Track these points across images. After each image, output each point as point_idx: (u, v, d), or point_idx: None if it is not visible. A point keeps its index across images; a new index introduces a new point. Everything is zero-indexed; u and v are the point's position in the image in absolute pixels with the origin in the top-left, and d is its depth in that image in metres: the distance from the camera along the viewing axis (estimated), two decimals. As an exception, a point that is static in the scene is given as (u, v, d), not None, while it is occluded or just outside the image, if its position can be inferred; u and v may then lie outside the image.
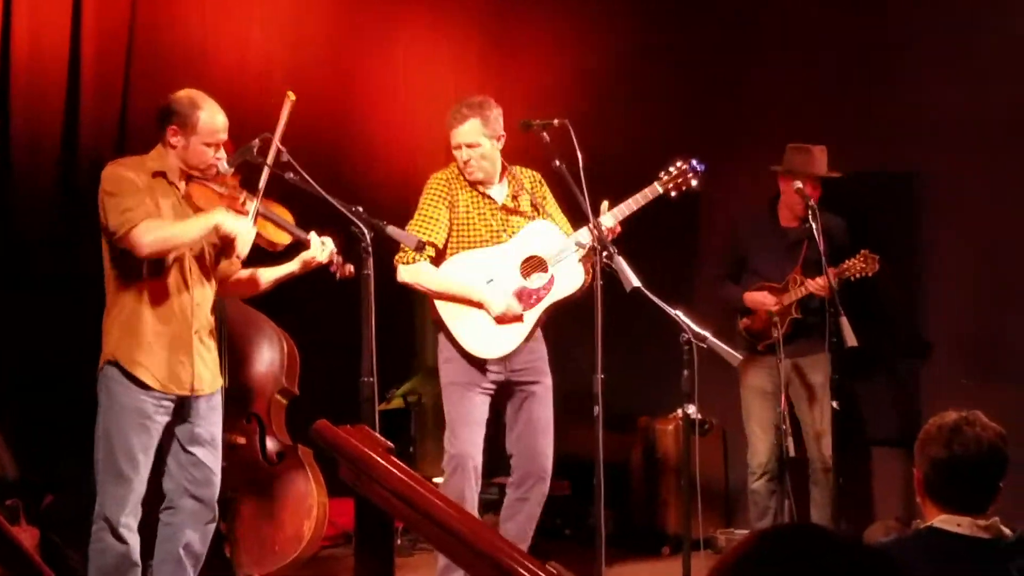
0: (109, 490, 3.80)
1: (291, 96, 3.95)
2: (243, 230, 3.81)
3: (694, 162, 4.45)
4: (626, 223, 4.38)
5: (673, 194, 4.45)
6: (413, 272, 4.39)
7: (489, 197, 4.51)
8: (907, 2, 5.80)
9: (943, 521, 2.56)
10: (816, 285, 5.00)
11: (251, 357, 4.79)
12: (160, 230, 3.75)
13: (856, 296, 5.12)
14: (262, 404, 4.84)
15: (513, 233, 4.47)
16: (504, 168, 4.54)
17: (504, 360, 4.44)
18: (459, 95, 6.77)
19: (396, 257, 4.39)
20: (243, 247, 3.83)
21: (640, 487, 6.02)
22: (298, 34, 6.28)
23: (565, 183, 4.27)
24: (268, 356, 4.84)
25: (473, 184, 4.50)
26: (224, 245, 3.93)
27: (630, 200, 4.39)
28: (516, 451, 4.54)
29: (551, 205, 4.58)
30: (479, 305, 4.39)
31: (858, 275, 5.02)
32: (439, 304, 4.44)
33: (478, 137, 4.41)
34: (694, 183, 4.46)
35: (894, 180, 5.79)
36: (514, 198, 4.55)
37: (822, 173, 5.16)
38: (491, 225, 4.48)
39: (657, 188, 4.42)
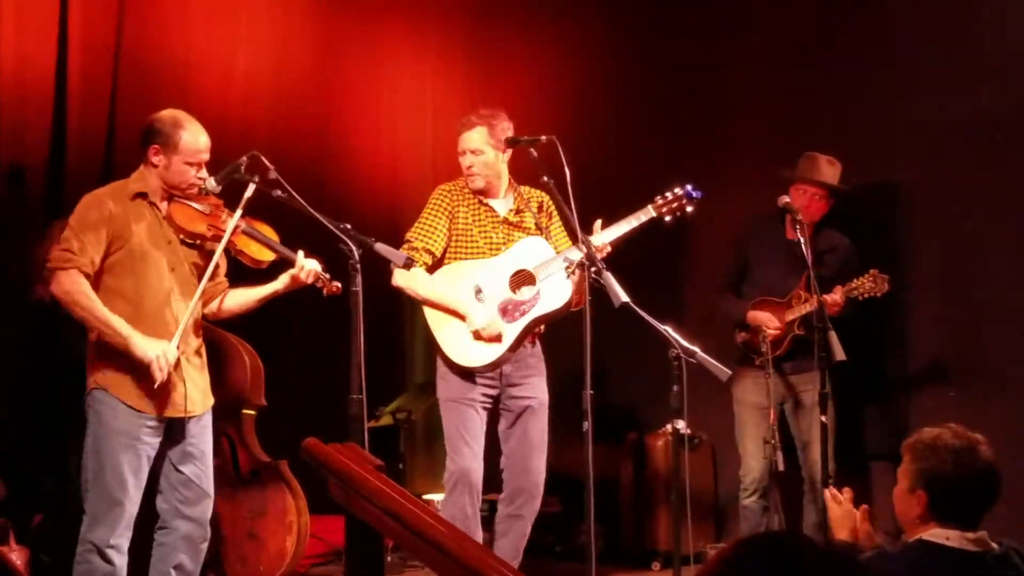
0: (98, 511, 3.77)
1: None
2: (152, 356, 3.71)
3: (690, 188, 4.46)
4: (617, 241, 4.40)
5: (668, 219, 4.47)
6: (407, 277, 4.43)
7: (491, 209, 4.57)
8: (886, 15, 5.84)
9: (932, 534, 2.59)
10: (827, 300, 4.91)
11: (216, 375, 4.74)
12: (77, 292, 3.71)
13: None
14: (231, 422, 4.81)
15: (511, 246, 4.53)
16: (511, 184, 4.60)
17: (499, 374, 4.47)
18: (443, 113, 6.84)
19: None
20: (158, 374, 3.72)
21: (630, 503, 6.01)
22: (282, 53, 6.30)
23: (554, 199, 4.31)
24: (232, 373, 4.79)
25: (476, 195, 4.56)
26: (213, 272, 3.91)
27: (622, 222, 4.42)
28: (508, 467, 4.57)
29: (556, 226, 4.62)
30: (464, 317, 4.43)
31: (867, 295, 4.98)
32: (427, 309, 4.50)
33: (483, 145, 4.49)
34: (689, 210, 4.48)
35: (881, 190, 5.81)
36: (518, 212, 4.60)
37: (826, 180, 5.13)
38: (491, 237, 4.53)
39: (650, 211, 4.45)
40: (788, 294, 5.18)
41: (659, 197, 4.47)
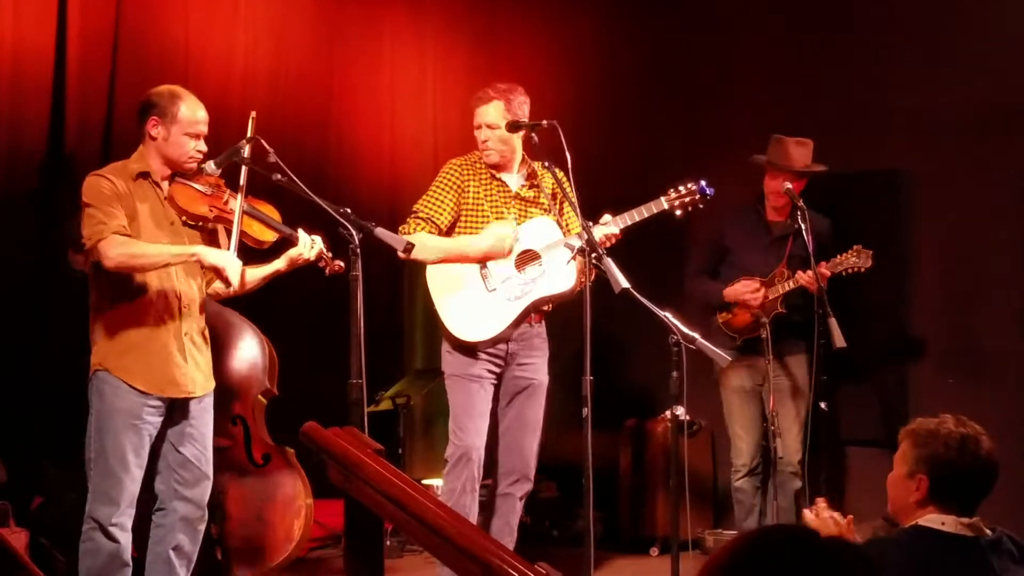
0: (100, 489, 3.79)
1: (253, 115, 3.95)
2: (228, 262, 3.78)
3: (703, 184, 4.47)
4: (626, 228, 4.41)
5: (678, 213, 4.47)
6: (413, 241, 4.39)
7: (504, 184, 4.57)
8: (887, 4, 5.83)
9: (928, 520, 2.61)
10: (806, 278, 4.96)
11: (233, 359, 4.77)
12: (128, 246, 3.72)
13: (842, 296, 5.12)
14: (246, 406, 4.82)
15: (523, 222, 4.54)
16: (525, 161, 4.62)
17: (505, 353, 4.48)
18: (443, 98, 6.84)
19: (400, 228, 4.45)
20: (233, 276, 3.80)
21: (628, 488, 6.03)
22: (282, 36, 6.28)
23: (558, 182, 4.33)
24: (250, 357, 4.81)
25: (489, 169, 4.56)
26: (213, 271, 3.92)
27: (634, 211, 4.43)
28: (502, 446, 4.58)
29: (568, 208, 4.62)
30: (481, 258, 4.43)
31: (850, 270, 4.98)
32: (430, 279, 4.48)
33: (499, 119, 4.48)
34: (701, 206, 4.50)
35: (878, 178, 5.82)
36: (530, 188, 4.60)
37: (796, 167, 5.13)
38: (502, 212, 4.54)
39: (663, 203, 4.46)
40: (771, 275, 5.17)
41: (672, 190, 4.48)
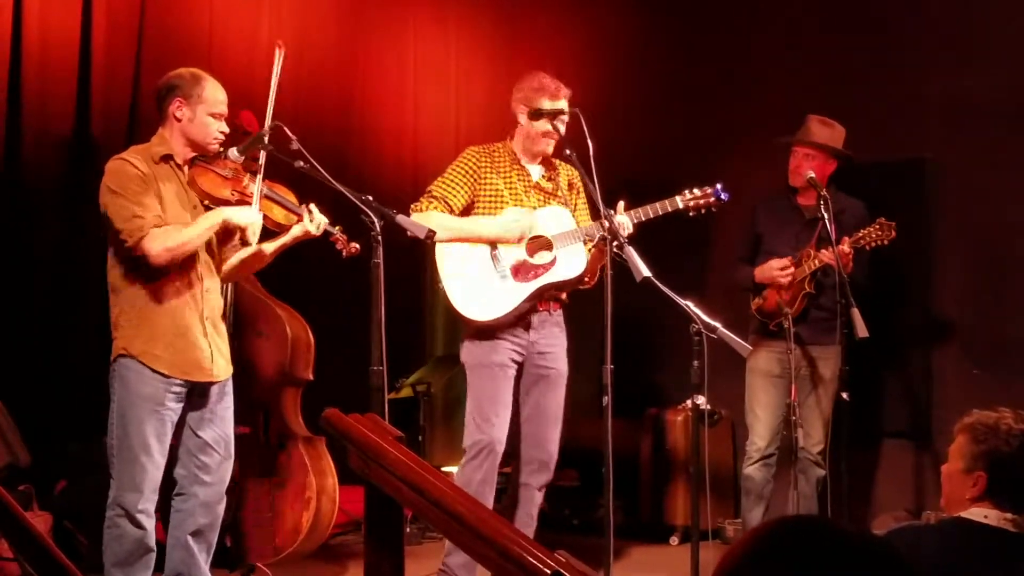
0: (125, 476, 3.80)
1: (280, 48, 3.95)
2: (252, 219, 3.84)
3: (719, 187, 4.47)
4: (638, 224, 4.41)
5: (692, 214, 4.48)
6: (424, 220, 4.35)
7: (526, 172, 4.58)
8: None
9: (971, 513, 2.59)
10: (828, 255, 4.91)
11: (255, 345, 4.79)
12: (168, 238, 3.74)
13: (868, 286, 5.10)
14: (265, 393, 4.84)
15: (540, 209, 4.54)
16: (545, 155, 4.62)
17: (527, 341, 4.48)
18: (466, 86, 6.83)
19: (412, 206, 4.45)
20: (253, 236, 3.86)
21: (649, 477, 6.02)
22: (306, 22, 6.29)
23: (579, 173, 4.32)
24: (271, 344, 4.83)
25: (514, 157, 4.56)
26: (227, 234, 3.95)
27: (648, 207, 4.42)
28: (522, 436, 4.57)
29: (582, 203, 4.63)
30: (492, 239, 4.42)
31: (874, 243, 4.91)
32: (439, 256, 4.46)
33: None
34: (714, 210, 4.50)
35: (905, 166, 5.78)
36: (549, 179, 4.61)
37: (813, 140, 5.10)
38: (522, 200, 4.54)
39: (678, 203, 4.46)
40: (799, 255, 5.13)
41: (688, 191, 4.47)
